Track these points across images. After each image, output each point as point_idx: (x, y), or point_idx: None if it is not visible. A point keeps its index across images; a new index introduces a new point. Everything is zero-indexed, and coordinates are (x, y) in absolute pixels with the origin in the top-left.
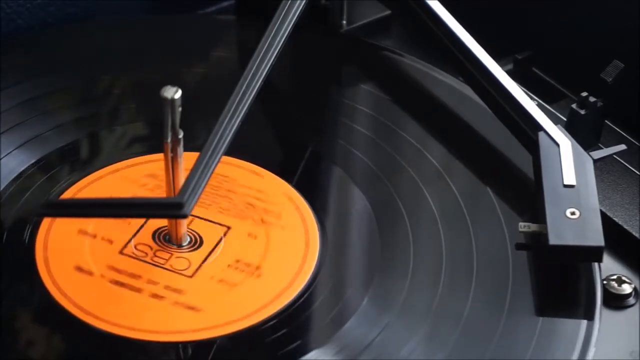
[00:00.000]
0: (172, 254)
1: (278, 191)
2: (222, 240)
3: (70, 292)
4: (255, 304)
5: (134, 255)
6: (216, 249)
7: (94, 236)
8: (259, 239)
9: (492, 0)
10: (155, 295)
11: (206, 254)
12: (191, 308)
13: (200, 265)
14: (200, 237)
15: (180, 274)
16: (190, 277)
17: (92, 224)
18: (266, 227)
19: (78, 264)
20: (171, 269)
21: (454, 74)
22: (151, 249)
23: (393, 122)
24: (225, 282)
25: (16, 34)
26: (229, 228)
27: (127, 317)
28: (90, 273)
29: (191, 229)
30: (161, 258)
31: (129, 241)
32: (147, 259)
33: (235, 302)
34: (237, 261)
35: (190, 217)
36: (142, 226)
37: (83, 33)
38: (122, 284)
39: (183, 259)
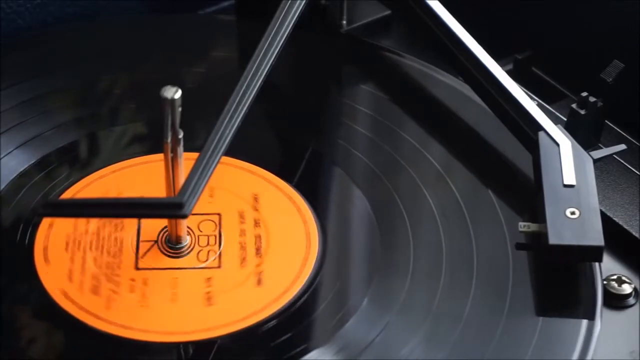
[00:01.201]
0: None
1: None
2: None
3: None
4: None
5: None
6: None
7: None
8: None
9: (492, 0)
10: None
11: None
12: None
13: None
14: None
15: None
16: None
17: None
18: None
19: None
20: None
21: (454, 74)
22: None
23: (393, 122)
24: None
25: (16, 34)
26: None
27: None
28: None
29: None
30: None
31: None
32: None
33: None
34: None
35: None
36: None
37: (83, 33)
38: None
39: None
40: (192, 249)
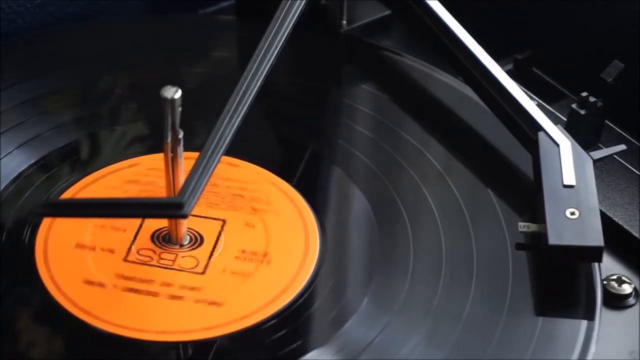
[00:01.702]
0: (177, 254)
1: (259, 178)
2: (222, 234)
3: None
4: (275, 289)
5: (138, 261)
6: (218, 243)
7: (93, 248)
8: (257, 228)
9: (492, 0)
10: (173, 297)
11: (210, 249)
12: (213, 303)
13: (208, 261)
14: (200, 234)
15: (192, 272)
16: (202, 273)
17: (88, 236)
18: (260, 215)
19: (87, 279)
20: (181, 268)
21: (454, 74)
22: (154, 252)
23: (393, 122)
24: (238, 273)
25: (16, 34)
26: (224, 221)
27: (142, 320)
28: (101, 285)
29: (189, 227)
30: (167, 260)
31: (130, 248)
32: (154, 263)
33: (254, 291)
34: (243, 251)
35: None
36: (138, 231)
37: (83, 33)
38: (136, 291)
39: (190, 258)
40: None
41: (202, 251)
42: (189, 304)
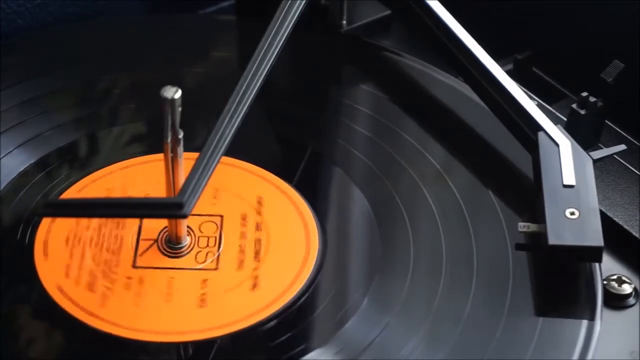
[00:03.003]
0: (182, 254)
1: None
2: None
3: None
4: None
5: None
6: (221, 238)
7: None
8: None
9: (492, 0)
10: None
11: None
12: (254, 286)
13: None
14: (200, 232)
15: (209, 269)
16: (217, 268)
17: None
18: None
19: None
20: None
21: (454, 74)
22: (162, 252)
23: (393, 122)
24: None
25: (16, 34)
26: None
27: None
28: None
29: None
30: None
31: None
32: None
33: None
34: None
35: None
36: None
37: (83, 33)
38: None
39: (201, 254)
40: (191, 250)
41: (201, 253)
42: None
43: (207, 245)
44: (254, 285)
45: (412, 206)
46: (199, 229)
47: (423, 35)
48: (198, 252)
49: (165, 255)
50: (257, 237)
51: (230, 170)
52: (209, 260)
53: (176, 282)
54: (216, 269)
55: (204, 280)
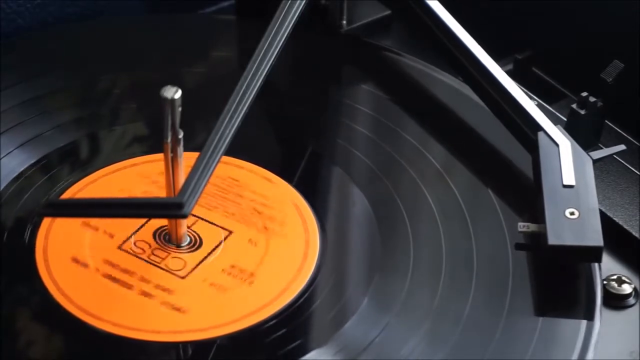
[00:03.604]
0: (169, 254)
1: (285, 199)
2: (222, 244)
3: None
4: (242, 311)
5: (131, 252)
6: (214, 252)
7: (96, 229)
8: (259, 247)
9: (492, 0)
10: (144, 293)
11: (203, 256)
12: (177, 309)
13: (195, 267)
14: (200, 239)
15: (174, 274)
16: (183, 278)
17: (87, 234)
18: (268, 235)
19: (75, 255)
20: (165, 268)
21: (454, 74)
22: (150, 246)
23: (393, 122)
24: (216, 286)
25: (16, 34)
26: (230, 232)
27: (114, 313)
28: (85, 265)
29: (193, 230)
30: (158, 257)
31: (130, 237)
32: (144, 257)
33: (223, 307)
34: (232, 267)
35: (194, 218)
36: (144, 224)
37: (83, 33)
38: (114, 279)
39: (179, 260)
40: (192, 249)
41: (195, 256)
42: (155, 304)
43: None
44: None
45: (412, 206)
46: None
47: (423, 35)
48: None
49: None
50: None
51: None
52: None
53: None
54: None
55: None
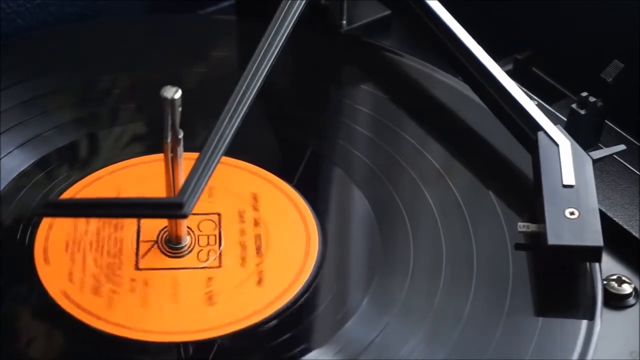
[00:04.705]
0: (184, 253)
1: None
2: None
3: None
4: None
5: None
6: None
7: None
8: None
9: (492, 0)
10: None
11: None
12: (258, 282)
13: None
14: (199, 231)
15: (211, 268)
16: (220, 266)
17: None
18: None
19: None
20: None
21: (454, 74)
22: (163, 253)
23: (393, 122)
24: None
25: (16, 34)
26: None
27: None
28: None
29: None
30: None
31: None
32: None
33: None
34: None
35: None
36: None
37: (83, 33)
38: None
39: (202, 253)
40: (192, 249)
41: (202, 253)
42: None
43: (208, 244)
44: (258, 282)
45: (412, 206)
46: (198, 228)
47: (423, 35)
48: (199, 251)
49: (167, 255)
50: (257, 235)
51: (230, 169)
52: (211, 259)
53: (180, 281)
54: (219, 267)
55: (208, 279)
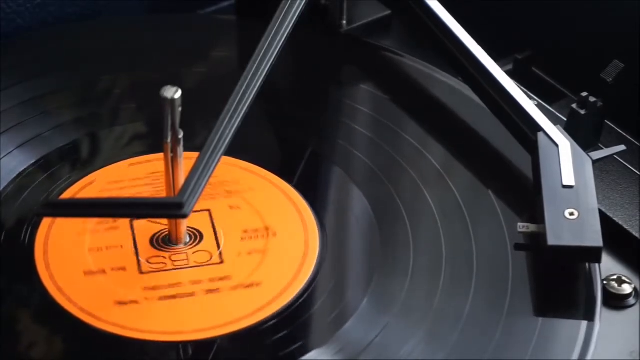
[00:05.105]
0: (186, 253)
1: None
2: (214, 222)
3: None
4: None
5: (155, 269)
6: (217, 232)
7: (103, 272)
8: (244, 208)
9: (492, 0)
10: (210, 291)
11: (214, 238)
12: (251, 285)
13: (220, 251)
14: (196, 229)
15: (211, 264)
16: (222, 262)
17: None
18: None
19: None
20: (199, 264)
21: (454, 74)
22: (164, 257)
23: (393, 122)
24: (253, 251)
25: (16, 34)
26: (209, 210)
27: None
28: (135, 301)
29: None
30: (180, 260)
31: (136, 254)
32: (170, 267)
33: (279, 265)
34: (245, 231)
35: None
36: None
37: (83, 33)
38: (171, 297)
39: (201, 252)
40: (191, 249)
41: (207, 243)
42: (188, 304)
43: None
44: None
45: (412, 206)
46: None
47: (423, 35)
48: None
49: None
50: (257, 237)
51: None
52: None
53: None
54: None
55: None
